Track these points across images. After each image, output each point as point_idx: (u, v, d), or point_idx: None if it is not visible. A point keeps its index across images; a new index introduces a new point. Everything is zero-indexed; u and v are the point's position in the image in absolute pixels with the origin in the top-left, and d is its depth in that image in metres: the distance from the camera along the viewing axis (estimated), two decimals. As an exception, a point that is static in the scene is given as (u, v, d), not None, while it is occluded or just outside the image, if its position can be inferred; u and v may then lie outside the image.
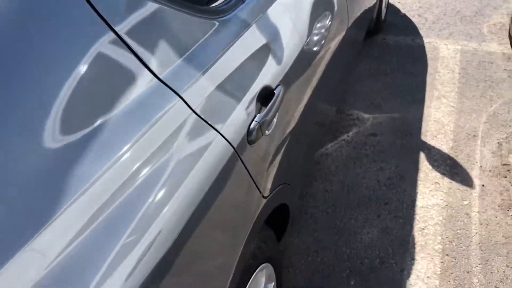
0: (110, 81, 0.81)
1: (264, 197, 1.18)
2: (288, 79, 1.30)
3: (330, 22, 1.71)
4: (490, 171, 2.29)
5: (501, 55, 3.11)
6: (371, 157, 2.43)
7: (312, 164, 2.34)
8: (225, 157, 0.99)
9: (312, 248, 2.00)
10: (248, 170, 1.08)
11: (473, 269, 1.88)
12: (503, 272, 1.86)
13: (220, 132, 0.98)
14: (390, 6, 3.69)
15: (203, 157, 0.93)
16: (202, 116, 0.95)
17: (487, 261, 1.90)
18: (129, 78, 0.84)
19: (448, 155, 2.41)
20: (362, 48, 3.02)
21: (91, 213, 0.72)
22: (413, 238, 2.02)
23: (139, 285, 0.73)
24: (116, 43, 0.82)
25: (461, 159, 2.38)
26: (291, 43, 1.37)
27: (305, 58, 1.46)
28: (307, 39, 1.47)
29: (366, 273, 1.89)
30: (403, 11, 3.75)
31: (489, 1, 3.76)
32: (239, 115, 1.05)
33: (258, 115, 1.11)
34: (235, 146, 1.02)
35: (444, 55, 3.18)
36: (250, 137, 1.07)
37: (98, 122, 0.78)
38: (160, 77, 0.89)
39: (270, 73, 1.21)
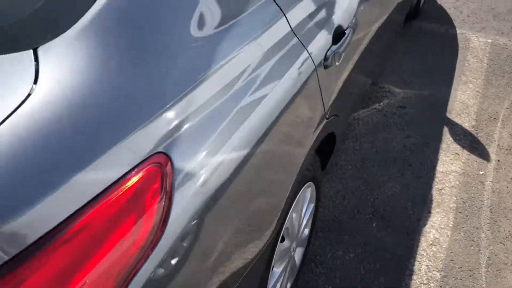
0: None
1: (326, 118, 1.42)
2: (354, 26, 1.53)
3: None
4: (506, 149, 2.52)
5: (528, 52, 3.32)
6: (399, 126, 2.67)
7: (356, 105, 2.48)
8: (308, 72, 1.23)
9: (340, 193, 2.25)
10: (320, 90, 1.32)
11: (482, 226, 2.12)
12: (509, 231, 2.10)
13: (309, 51, 1.22)
14: (428, -3, 3.89)
15: (293, 67, 1.17)
16: (298, 36, 1.19)
17: (495, 221, 2.14)
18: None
19: (469, 132, 2.64)
20: (401, 30, 3.23)
21: (222, 85, 0.96)
22: (431, 196, 2.26)
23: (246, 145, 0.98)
24: None
25: (480, 136, 2.61)
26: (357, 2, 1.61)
27: (365, 15, 1.69)
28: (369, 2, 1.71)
29: (387, 218, 2.14)
30: (439, 2, 3.94)
31: (522, 2, 3.95)
32: (321, 42, 1.29)
33: (333, 46, 1.34)
34: (316, 66, 1.26)
35: (474, 46, 3.39)
36: (326, 62, 1.31)
37: (231, 21, 1.02)
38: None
39: (343, 16, 1.44)
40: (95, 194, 0.70)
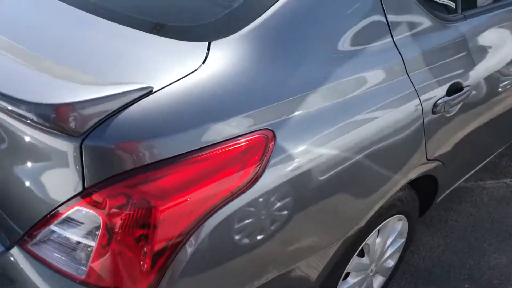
0: (372, 31, 1.32)
1: (427, 159, 1.59)
2: (475, 88, 1.68)
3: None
4: None
5: None
6: (525, 204, 2.60)
7: (473, 165, 2.45)
8: (416, 112, 1.43)
9: (440, 248, 2.30)
10: (424, 130, 1.50)
11: None
12: None
13: (419, 95, 1.43)
14: None
15: (399, 104, 1.39)
16: (411, 79, 1.41)
17: None
18: (379, 34, 1.34)
19: None
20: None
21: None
22: (538, 279, 2.18)
23: None
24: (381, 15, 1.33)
25: None
26: (486, 65, 1.74)
27: (491, 85, 1.81)
28: (498, 73, 1.83)
29: (483, 285, 2.13)
30: None
31: None
32: (434, 89, 1.48)
33: (445, 97, 1.52)
34: (423, 107, 1.45)
35: None
36: (435, 108, 1.50)
37: (360, 47, 1.29)
38: (394, 39, 1.37)
39: (466, 74, 1.61)
40: (219, 140, 1.02)
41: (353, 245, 1.51)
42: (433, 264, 2.22)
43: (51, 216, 1.03)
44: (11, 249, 1.15)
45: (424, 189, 1.81)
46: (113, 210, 0.97)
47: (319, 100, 1.18)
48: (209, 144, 1.01)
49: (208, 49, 1.10)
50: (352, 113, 1.26)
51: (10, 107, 0.99)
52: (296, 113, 1.14)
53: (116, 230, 0.97)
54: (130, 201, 0.96)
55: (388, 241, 1.77)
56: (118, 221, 0.97)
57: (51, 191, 1.04)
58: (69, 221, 1.02)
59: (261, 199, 1.09)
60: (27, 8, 1.36)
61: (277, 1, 1.17)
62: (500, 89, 1.89)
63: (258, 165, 1.08)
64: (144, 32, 1.16)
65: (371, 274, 1.78)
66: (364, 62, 1.30)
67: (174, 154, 0.98)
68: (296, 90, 1.15)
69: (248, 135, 1.06)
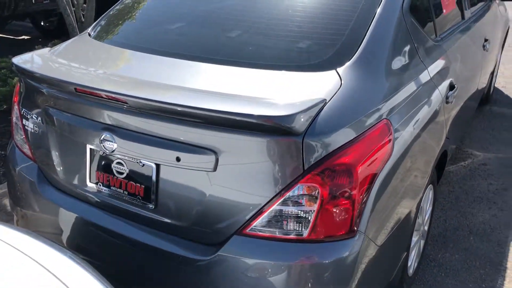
0: (409, 53, 1.97)
1: (447, 138, 2.25)
2: (460, 85, 2.42)
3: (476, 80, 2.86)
4: None
5: None
6: (483, 176, 3.40)
7: (461, 133, 3.30)
8: (438, 104, 2.10)
9: (441, 218, 2.97)
10: (444, 115, 2.17)
11: (559, 243, 2.74)
12: None
13: (440, 91, 2.10)
14: (495, 89, 4.75)
15: (430, 100, 2.04)
16: (434, 81, 2.08)
17: None
18: (412, 54, 2.00)
19: (542, 182, 3.32)
20: (475, 112, 4.08)
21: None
22: (515, 222, 2.92)
23: None
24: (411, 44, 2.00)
25: (552, 186, 3.28)
26: (462, 70, 2.51)
27: (464, 82, 2.58)
28: (467, 75, 2.61)
29: (481, 235, 2.81)
30: (506, 92, 4.79)
31: None
32: (444, 87, 2.18)
33: (451, 91, 2.22)
34: (442, 100, 2.13)
35: (540, 124, 4.15)
36: (447, 99, 2.18)
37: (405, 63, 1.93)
38: (420, 56, 2.04)
39: (456, 76, 2.34)
40: (363, 130, 1.57)
41: (417, 209, 2.09)
42: (443, 230, 2.86)
43: (275, 199, 1.48)
44: (223, 246, 1.55)
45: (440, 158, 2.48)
46: (327, 180, 1.45)
47: (401, 97, 1.79)
48: (365, 129, 1.56)
49: (338, 74, 1.66)
50: (416, 104, 1.90)
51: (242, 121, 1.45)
52: (394, 106, 1.73)
53: (331, 194, 1.46)
54: (336, 171, 1.46)
55: (426, 207, 2.37)
56: (331, 187, 1.45)
57: (272, 182, 1.49)
58: (292, 199, 1.47)
59: (397, 162, 1.65)
60: None
61: (366, 33, 1.78)
62: (471, 85, 2.68)
63: (390, 139, 1.64)
64: (292, 72, 1.69)
65: (420, 236, 2.35)
66: (412, 73, 1.95)
67: (351, 138, 1.51)
68: (389, 92, 1.74)
69: (378, 123, 1.62)
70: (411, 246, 2.17)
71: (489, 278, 2.50)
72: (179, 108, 1.52)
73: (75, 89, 1.72)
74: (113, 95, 1.63)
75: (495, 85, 4.82)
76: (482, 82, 3.53)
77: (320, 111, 1.49)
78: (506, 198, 3.15)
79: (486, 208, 3.07)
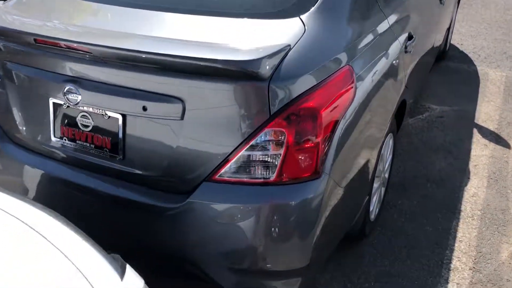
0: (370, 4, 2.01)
1: (406, 87, 2.33)
2: (417, 36, 2.49)
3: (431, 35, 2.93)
4: (523, 142, 3.36)
5: (536, 82, 4.23)
6: (440, 128, 3.54)
7: (418, 89, 3.42)
8: (397, 53, 2.16)
9: (400, 168, 3.09)
10: (403, 64, 2.24)
11: (508, 185, 2.92)
12: (528, 189, 2.90)
13: (399, 40, 2.16)
14: (451, 46, 4.89)
15: (390, 48, 2.10)
16: (393, 30, 2.14)
17: (518, 184, 2.95)
18: (370, 3, 2.04)
19: (494, 132, 3.49)
20: (432, 67, 4.20)
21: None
22: (468, 169, 3.08)
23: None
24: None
25: (503, 135, 3.46)
26: (420, 21, 2.57)
27: (422, 34, 2.65)
28: (425, 27, 2.69)
29: (437, 183, 2.96)
30: (461, 48, 4.94)
31: (529, 48, 4.93)
32: (403, 36, 2.24)
33: (409, 41, 2.29)
34: (401, 48, 2.19)
35: (492, 77, 4.32)
36: (406, 49, 2.25)
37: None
38: (379, 5, 2.08)
39: (414, 27, 2.40)
40: (332, 72, 1.61)
41: (378, 156, 2.17)
42: (402, 178, 2.99)
43: (243, 144, 1.51)
44: (193, 193, 1.59)
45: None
46: (292, 124, 1.50)
47: (362, 44, 1.84)
48: (329, 74, 1.60)
49: (302, 21, 1.68)
50: (376, 52, 1.95)
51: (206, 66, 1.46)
52: (356, 53, 1.78)
53: (297, 137, 1.50)
54: (301, 116, 1.50)
55: (386, 155, 2.47)
56: (297, 131, 1.50)
57: (239, 128, 1.52)
58: (259, 144, 1.51)
59: (359, 108, 1.71)
60: None
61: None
62: (428, 38, 2.76)
63: (352, 84, 1.69)
64: (257, 19, 1.70)
65: (381, 183, 2.46)
66: (372, 21, 1.99)
67: (315, 83, 1.55)
68: (351, 39, 1.78)
69: (341, 69, 1.67)
70: (373, 192, 2.27)
71: (445, 221, 2.66)
72: (143, 56, 1.52)
73: (35, 40, 1.67)
74: (76, 45, 1.60)
75: (451, 42, 4.95)
76: (438, 37, 3.63)
77: (285, 57, 1.52)
78: (461, 148, 3.31)
79: (443, 157, 3.22)
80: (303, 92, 1.53)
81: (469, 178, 3.00)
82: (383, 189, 2.60)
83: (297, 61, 1.54)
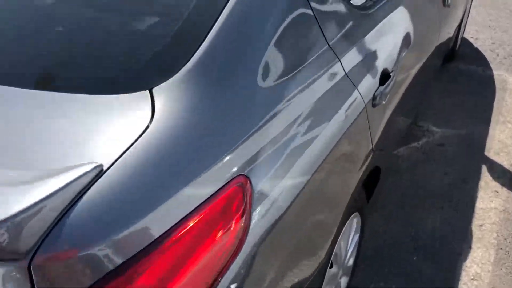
0: (298, 43, 1.21)
1: (372, 150, 1.55)
2: (397, 69, 1.67)
3: (426, 43, 2.08)
4: (546, 188, 2.56)
5: None
6: (439, 162, 2.75)
7: (399, 142, 2.57)
8: (359, 110, 1.37)
9: (382, 228, 2.33)
10: (369, 125, 1.45)
11: (523, 262, 2.16)
12: (551, 268, 2.12)
13: (360, 92, 1.36)
14: (464, 40, 4.01)
15: (344, 106, 1.31)
16: (350, 78, 1.34)
17: (537, 258, 2.18)
18: (311, 42, 1.24)
19: (509, 170, 2.69)
20: (438, 71, 3.35)
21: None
22: (471, 231, 2.31)
23: None
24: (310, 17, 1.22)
25: (520, 175, 2.66)
26: (404, 44, 1.75)
27: (407, 60, 1.83)
28: (413, 46, 1.85)
29: (427, 250, 2.20)
30: (475, 45, 4.05)
31: (559, 45, 4.02)
32: (371, 83, 1.43)
33: (380, 87, 1.48)
34: (366, 104, 1.40)
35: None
36: (374, 101, 1.45)
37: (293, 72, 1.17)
38: (330, 44, 1.28)
39: (388, 60, 1.59)
40: (195, 206, 0.84)
41: (326, 264, 1.42)
42: (382, 244, 2.24)
43: None
44: None
45: (368, 179, 1.79)
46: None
47: (270, 132, 1.04)
48: (183, 217, 0.83)
49: (152, 99, 0.90)
50: (304, 128, 1.15)
51: None
52: (258, 151, 0.99)
53: None
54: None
55: (349, 242, 1.71)
56: None
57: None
58: None
59: (259, 238, 0.95)
60: None
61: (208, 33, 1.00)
62: (413, 63, 1.93)
63: (243, 211, 0.92)
64: (68, 93, 0.92)
65: (340, 280, 1.72)
66: (310, 72, 1.19)
67: (149, 242, 0.79)
68: (248, 129, 0.99)
69: (222, 189, 0.90)
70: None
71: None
72: None
73: None
74: None
75: (464, 36, 4.07)
76: (444, 42, 2.77)
77: (78, 198, 0.76)
78: (463, 194, 2.52)
79: (439, 208, 2.44)
80: (122, 265, 0.77)
81: (470, 247, 2.23)
82: (345, 280, 1.86)
83: (113, 201, 0.78)
